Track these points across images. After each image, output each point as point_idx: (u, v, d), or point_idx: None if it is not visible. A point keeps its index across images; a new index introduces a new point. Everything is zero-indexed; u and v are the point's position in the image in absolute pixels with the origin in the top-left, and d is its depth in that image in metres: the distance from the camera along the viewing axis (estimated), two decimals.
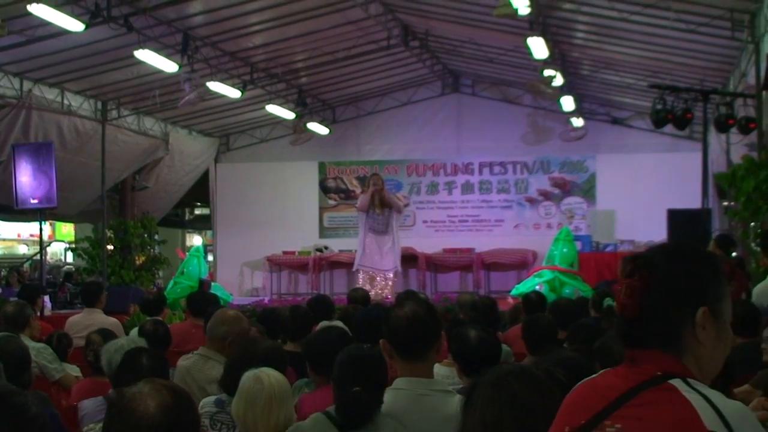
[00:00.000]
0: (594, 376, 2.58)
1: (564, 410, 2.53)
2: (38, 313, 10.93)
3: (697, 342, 2.40)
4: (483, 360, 5.06)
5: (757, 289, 8.58)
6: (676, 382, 2.32)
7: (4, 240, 28.67)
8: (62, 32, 13.53)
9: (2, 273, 22.49)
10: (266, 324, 7.71)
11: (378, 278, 16.91)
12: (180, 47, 15.38)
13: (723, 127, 13.16)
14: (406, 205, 21.46)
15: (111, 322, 10.19)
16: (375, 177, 17.30)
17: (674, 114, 13.28)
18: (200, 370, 6.38)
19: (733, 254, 12.21)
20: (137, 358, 4.97)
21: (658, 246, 2.53)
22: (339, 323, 6.99)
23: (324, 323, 7.21)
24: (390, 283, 16.96)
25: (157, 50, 15.01)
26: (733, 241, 11.55)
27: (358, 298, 10.72)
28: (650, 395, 2.34)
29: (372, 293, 16.04)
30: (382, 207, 16.81)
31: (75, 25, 12.96)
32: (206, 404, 5.19)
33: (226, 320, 6.61)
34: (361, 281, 16.85)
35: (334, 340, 5.39)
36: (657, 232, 18.64)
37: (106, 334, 6.88)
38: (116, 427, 2.71)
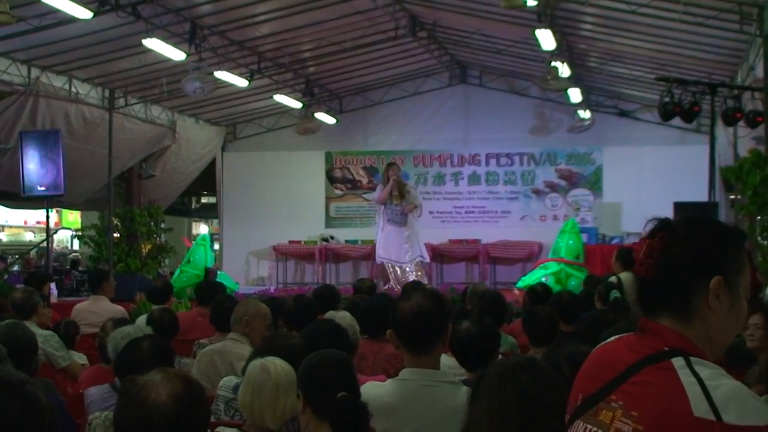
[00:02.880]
0: (609, 340, 2.62)
1: (581, 376, 2.59)
2: (46, 301, 10.93)
3: (708, 310, 2.43)
4: (477, 352, 5.09)
5: None
6: (677, 361, 2.35)
7: (10, 227, 28.76)
8: (70, 20, 13.52)
9: (9, 260, 22.53)
10: None
11: (399, 271, 16.78)
12: (188, 36, 15.37)
13: (730, 120, 13.16)
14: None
15: (117, 309, 10.25)
16: (394, 167, 17.18)
17: (682, 107, 13.28)
18: (231, 349, 6.52)
19: None
20: (139, 345, 4.98)
21: (683, 215, 2.56)
22: (345, 313, 6.99)
23: (330, 313, 7.23)
24: (413, 275, 16.66)
25: (165, 39, 15.00)
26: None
27: (364, 288, 10.75)
28: (649, 373, 2.38)
29: (394, 285, 16.05)
30: (400, 197, 16.70)
31: (83, 13, 12.94)
32: (224, 386, 5.22)
33: (242, 304, 7.12)
34: (386, 271, 16.98)
35: (326, 333, 5.40)
36: None
37: (121, 324, 6.87)
38: (127, 415, 2.73)
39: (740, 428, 2.19)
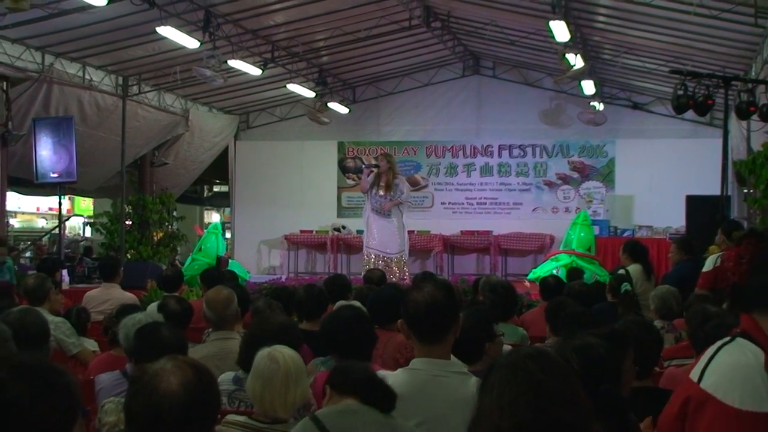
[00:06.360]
0: None
1: None
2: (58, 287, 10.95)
3: None
4: (467, 344, 5.06)
5: None
6: (734, 342, 2.53)
7: (23, 214, 28.78)
8: (85, 7, 13.55)
9: (21, 246, 22.59)
10: (278, 301, 7.72)
11: (382, 261, 15.82)
12: (202, 24, 15.38)
13: (744, 114, 13.08)
14: (424, 187, 21.44)
15: (128, 297, 10.26)
16: (380, 157, 16.68)
17: (695, 100, 13.19)
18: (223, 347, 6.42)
19: None
20: (157, 333, 5.00)
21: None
22: (356, 303, 6.98)
23: (341, 303, 7.23)
24: (395, 266, 15.86)
25: (179, 27, 14.99)
26: (740, 225, 11.56)
27: (374, 278, 10.70)
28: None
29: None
30: (387, 189, 15.82)
31: (97, 0, 12.97)
32: (224, 381, 5.22)
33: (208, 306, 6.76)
34: (365, 263, 15.95)
35: (351, 318, 5.42)
36: (675, 218, 18.69)
37: (130, 310, 6.85)
38: (138, 403, 2.74)
39: (706, 395, 2.28)
